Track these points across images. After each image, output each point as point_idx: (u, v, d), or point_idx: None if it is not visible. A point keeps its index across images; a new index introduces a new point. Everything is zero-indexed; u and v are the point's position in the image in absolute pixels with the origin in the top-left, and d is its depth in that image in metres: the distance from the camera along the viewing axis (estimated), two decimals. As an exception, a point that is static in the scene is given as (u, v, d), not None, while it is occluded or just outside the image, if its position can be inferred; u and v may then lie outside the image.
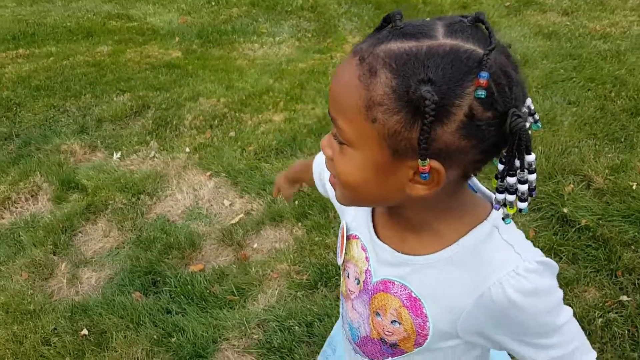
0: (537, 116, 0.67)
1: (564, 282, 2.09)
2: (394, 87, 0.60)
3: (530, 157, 0.62)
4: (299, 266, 2.23)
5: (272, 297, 2.12)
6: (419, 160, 0.62)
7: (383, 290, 0.79)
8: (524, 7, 5.15)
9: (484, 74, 0.58)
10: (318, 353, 1.89)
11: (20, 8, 6.26)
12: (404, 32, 0.62)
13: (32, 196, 2.83)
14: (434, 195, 0.67)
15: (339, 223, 2.47)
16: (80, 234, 2.57)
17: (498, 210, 0.68)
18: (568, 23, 4.70)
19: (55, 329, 2.04)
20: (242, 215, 2.58)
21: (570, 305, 1.94)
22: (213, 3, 5.90)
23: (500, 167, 0.64)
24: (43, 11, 6.05)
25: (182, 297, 2.14)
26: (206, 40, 4.84)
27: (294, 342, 1.91)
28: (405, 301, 0.77)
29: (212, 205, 2.71)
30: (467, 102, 0.60)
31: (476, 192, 0.77)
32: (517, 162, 0.62)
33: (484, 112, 0.60)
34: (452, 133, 0.61)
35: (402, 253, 0.76)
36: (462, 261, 0.72)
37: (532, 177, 0.64)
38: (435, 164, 0.63)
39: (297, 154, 2.98)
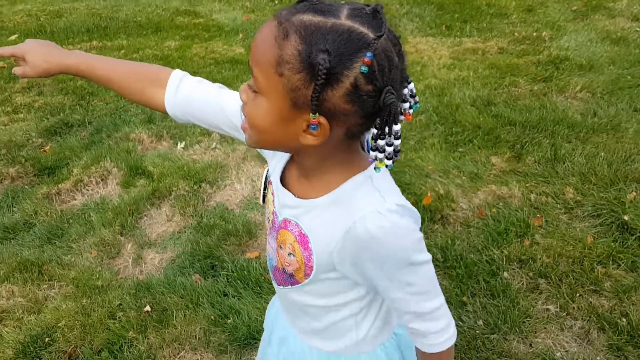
0: (417, 98, 0.84)
1: (622, 289, 2.06)
2: (299, 50, 0.73)
3: (397, 127, 0.77)
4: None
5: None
6: (311, 113, 0.76)
7: (284, 228, 0.94)
8: (592, 12, 5.00)
9: (369, 54, 0.72)
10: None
11: (94, 2, 6.60)
12: (316, 8, 0.75)
13: (102, 180, 3.00)
14: (323, 147, 0.81)
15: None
16: (145, 217, 2.71)
17: (372, 163, 0.80)
18: (638, 29, 4.53)
19: (120, 304, 2.17)
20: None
21: (627, 314, 1.90)
22: (276, 1, 6.03)
23: (374, 131, 0.77)
24: (115, 6, 6.35)
25: (239, 281, 2.23)
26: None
27: (343, 332, 1.97)
28: (297, 237, 0.91)
29: (269, 196, 2.79)
30: (353, 74, 0.73)
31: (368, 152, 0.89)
32: (387, 129, 0.76)
33: (365, 84, 0.74)
34: (340, 97, 0.74)
35: (298, 197, 0.91)
36: (339, 202, 0.85)
37: (397, 142, 0.78)
38: (322, 119, 0.76)
39: (353, 150, 3.03)
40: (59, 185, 2.92)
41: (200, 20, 5.67)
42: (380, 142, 0.77)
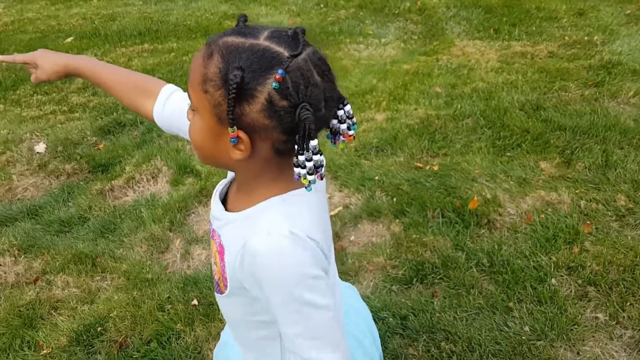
0: (354, 119, 0.87)
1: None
2: (220, 68, 0.78)
3: (313, 142, 0.79)
4: (395, 261, 2.29)
5: (367, 288, 2.19)
6: (229, 127, 0.79)
7: (212, 238, 0.97)
8: (648, 14, 4.84)
9: (281, 71, 0.75)
10: (411, 346, 1.95)
11: (146, 6, 6.81)
12: (241, 31, 0.81)
13: (152, 177, 3.10)
14: (253, 163, 0.84)
15: (438, 222, 2.49)
16: (193, 215, 2.78)
17: (298, 180, 0.82)
18: (698, 31, 4.36)
19: (169, 297, 2.24)
20: (340, 208, 2.68)
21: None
22: (322, 5, 6.08)
23: (296, 147, 0.80)
24: (166, 10, 6.53)
25: (283, 279, 2.26)
26: (313, 41, 4.93)
27: (387, 333, 1.97)
28: (218, 247, 0.94)
29: (313, 197, 2.82)
30: (266, 90, 0.77)
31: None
32: (304, 145, 0.78)
33: (280, 100, 0.77)
34: (257, 112, 0.78)
35: (227, 210, 0.94)
36: (248, 221, 0.87)
37: (317, 157, 0.80)
38: (242, 134, 0.80)
39: (397, 152, 3.03)
40: (112, 182, 3.03)
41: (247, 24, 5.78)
42: (301, 158, 0.80)
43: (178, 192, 2.94)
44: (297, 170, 0.81)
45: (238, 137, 0.80)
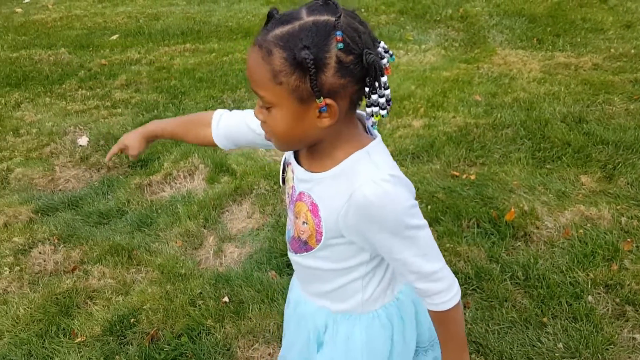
0: (390, 52, 0.94)
1: None
2: (285, 57, 0.87)
3: (384, 78, 0.90)
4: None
5: (399, 294, 2.17)
6: (316, 100, 0.89)
7: (299, 200, 1.06)
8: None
9: (338, 32, 0.86)
10: None
11: (189, 7, 6.93)
12: (281, 20, 0.89)
13: (189, 175, 3.15)
14: (334, 125, 0.93)
15: (473, 232, 2.46)
16: (227, 213, 2.82)
17: (368, 120, 0.94)
18: None
19: (201, 293, 2.27)
20: (375, 213, 2.67)
21: None
22: (363, 10, 6.07)
23: (367, 90, 0.91)
24: (209, 11, 6.64)
25: (313, 282, 2.27)
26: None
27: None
28: (309, 206, 1.04)
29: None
30: (333, 54, 0.87)
31: (370, 134, 1.03)
32: (376, 83, 0.89)
33: (347, 57, 0.87)
34: (332, 76, 0.88)
35: (310, 172, 1.03)
36: (342, 175, 0.98)
37: (387, 91, 0.91)
38: (329, 100, 0.89)
39: (433, 160, 3.01)
40: (150, 177, 3.10)
41: (288, 27, 5.82)
42: (374, 97, 0.91)
43: (213, 189, 2.98)
44: (369, 110, 0.92)
45: (326, 104, 0.90)
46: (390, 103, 0.93)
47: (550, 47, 4.63)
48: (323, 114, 0.91)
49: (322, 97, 0.89)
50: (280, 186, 1.22)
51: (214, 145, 1.30)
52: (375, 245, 1.01)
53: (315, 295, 1.19)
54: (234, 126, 1.26)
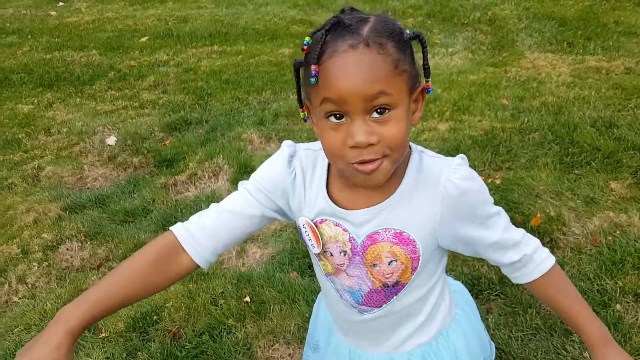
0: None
1: None
2: (395, 45, 0.82)
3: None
4: (450, 273, 2.23)
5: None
6: (424, 80, 0.87)
7: (372, 244, 0.95)
8: None
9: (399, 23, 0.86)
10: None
11: (217, 9, 7.02)
12: (357, 20, 0.83)
13: (214, 175, 3.18)
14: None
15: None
16: (250, 214, 2.83)
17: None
18: None
19: (222, 292, 2.28)
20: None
21: None
22: (390, 13, 6.06)
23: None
24: (236, 13, 6.71)
25: (335, 284, 2.26)
26: (379, 48, 5.00)
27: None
28: (393, 240, 0.93)
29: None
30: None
31: None
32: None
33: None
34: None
35: (373, 206, 0.93)
36: (417, 185, 0.91)
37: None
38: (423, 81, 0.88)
39: (459, 164, 2.97)
40: (176, 177, 3.14)
41: (315, 29, 5.84)
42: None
43: (237, 190, 2.99)
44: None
45: (430, 85, 0.90)
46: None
47: (580, 50, 4.55)
48: (416, 107, 0.88)
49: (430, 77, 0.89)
50: (317, 254, 1.02)
51: (193, 270, 0.99)
52: (470, 240, 0.95)
53: (403, 342, 1.07)
54: (219, 230, 0.98)
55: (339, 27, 0.82)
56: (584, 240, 2.38)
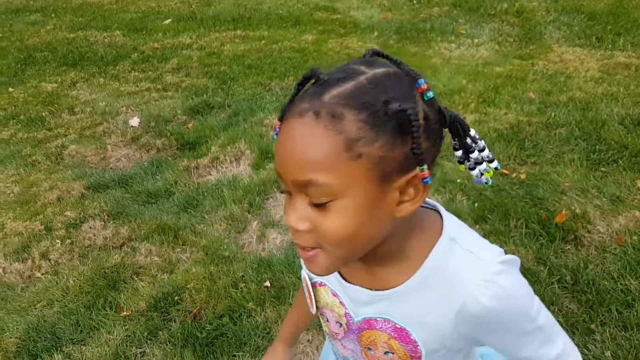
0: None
1: None
2: (363, 119, 0.62)
3: (472, 132, 0.72)
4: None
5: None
6: (418, 168, 0.65)
7: (368, 328, 0.81)
8: None
9: (421, 80, 0.65)
10: None
11: (241, -6, 6.99)
12: (337, 78, 0.65)
13: (235, 159, 3.19)
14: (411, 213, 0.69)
15: (521, 232, 2.39)
16: (271, 199, 2.84)
17: (480, 183, 0.75)
18: None
19: (243, 276, 2.30)
20: (420, 207, 2.63)
21: None
22: (414, 1, 5.99)
23: (458, 153, 0.73)
24: (260, -2, 6.69)
25: (355, 272, 2.26)
26: (403, 37, 4.95)
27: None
28: (392, 333, 0.79)
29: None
30: (421, 108, 0.65)
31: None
32: (468, 140, 0.72)
33: (431, 112, 0.67)
34: (419, 138, 0.64)
35: (376, 290, 0.77)
36: (434, 282, 0.73)
37: (482, 143, 0.73)
38: (417, 171, 0.65)
39: (483, 157, 2.94)
40: (198, 160, 3.15)
41: (338, 16, 5.79)
42: (474, 156, 0.72)
43: (258, 175, 3.00)
44: (475, 172, 0.74)
45: (429, 175, 0.66)
46: (492, 153, 0.73)
47: (610, 46, 4.46)
48: (405, 199, 0.67)
49: (425, 165, 0.64)
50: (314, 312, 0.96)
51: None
52: (495, 349, 0.80)
53: None
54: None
55: (316, 82, 0.67)
56: (609, 239, 2.35)
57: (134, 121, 3.61)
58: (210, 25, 5.71)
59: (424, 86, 0.65)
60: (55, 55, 5.07)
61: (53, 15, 6.48)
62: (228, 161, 3.17)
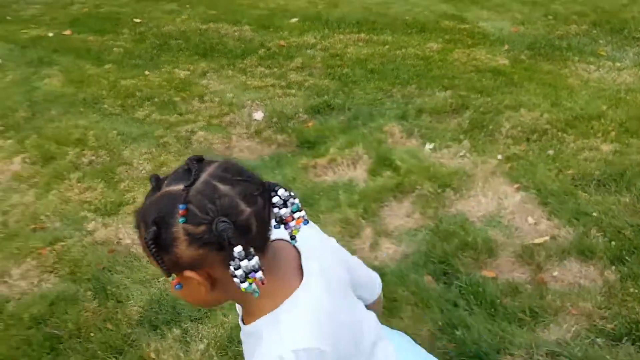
0: (294, 200, 0.87)
1: None
2: (140, 234, 0.84)
3: (237, 249, 0.78)
4: (605, 312, 2.04)
5: (568, 332, 1.98)
6: (166, 277, 0.85)
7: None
8: None
9: (181, 205, 0.79)
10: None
11: (367, -2, 6.99)
12: (153, 188, 0.86)
13: (352, 163, 3.17)
14: (227, 290, 0.86)
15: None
16: (386, 207, 2.79)
17: (249, 292, 0.81)
18: None
19: (354, 283, 2.26)
20: (547, 237, 2.46)
21: None
22: (550, 17, 5.66)
23: (231, 265, 0.80)
24: (387, 3, 6.64)
25: (472, 296, 2.16)
26: (537, 53, 4.69)
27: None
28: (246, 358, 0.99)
29: (514, 217, 2.65)
30: (180, 227, 0.80)
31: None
32: (235, 253, 0.78)
33: (196, 228, 0.80)
34: (188, 248, 0.80)
35: (243, 323, 0.97)
36: (256, 335, 0.90)
37: (244, 263, 0.79)
38: (189, 273, 0.83)
39: (622, 191, 2.70)
40: (316, 160, 3.17)
41: (466, 26, 5.61)
42: (231, 269, 0.79)
43: (375, 182, 2.96)
44: (236, 281, 0.81)
45: (179, 282, 0.85)
46: (258, 275, 0.80)
47: None
48: (199, 285, 0.85)
49: (173, 275, 0.84)
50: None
51: None
52: None
53: None
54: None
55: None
56: None
57: (258, 115, 3.71)
58: (334, 27, 5.75)
59: (180, 212, 0.79)
60: (188, 44, 5.34)
61: (188, 5, 6.85)
62: (345, 164, 3.17)
